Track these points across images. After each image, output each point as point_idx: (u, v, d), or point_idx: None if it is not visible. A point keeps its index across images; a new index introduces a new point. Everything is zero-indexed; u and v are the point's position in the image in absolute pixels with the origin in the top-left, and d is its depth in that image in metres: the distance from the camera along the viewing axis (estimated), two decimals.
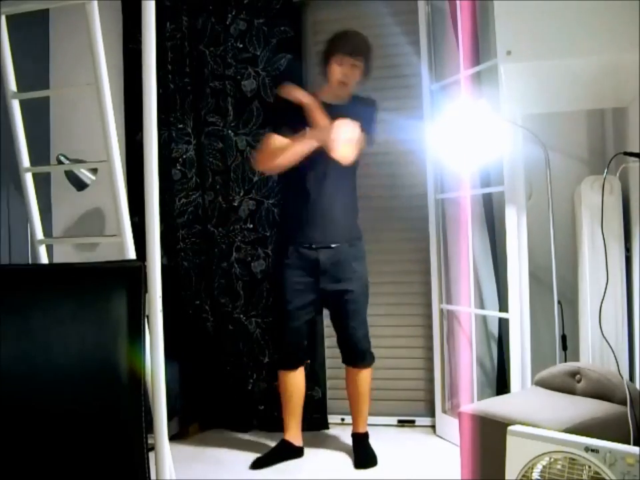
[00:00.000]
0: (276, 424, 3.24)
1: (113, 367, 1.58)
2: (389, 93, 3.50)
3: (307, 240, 2.93)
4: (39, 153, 3.44)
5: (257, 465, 2.96)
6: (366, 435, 3.11)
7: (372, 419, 3.45)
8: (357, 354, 3.01)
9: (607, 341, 2.25)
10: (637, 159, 2.32)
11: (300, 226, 2.94)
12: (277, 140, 2.89)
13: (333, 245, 2.92)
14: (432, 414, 3.36)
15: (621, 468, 1.57)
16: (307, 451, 3.10)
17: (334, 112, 2.87)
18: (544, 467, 1.72)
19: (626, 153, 2.30)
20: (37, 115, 3.58)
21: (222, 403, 3.53)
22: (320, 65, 3.06)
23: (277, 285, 3.06)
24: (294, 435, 3.05)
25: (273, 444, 3.11)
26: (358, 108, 2.95)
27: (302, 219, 2.93)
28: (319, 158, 2.83)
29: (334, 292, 2.95)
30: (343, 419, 3.49)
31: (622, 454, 1.58)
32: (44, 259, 2.30)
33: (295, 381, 3.04)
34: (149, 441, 1.59)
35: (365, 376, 3.04)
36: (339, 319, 3.02)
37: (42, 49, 3.74)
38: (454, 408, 3.23)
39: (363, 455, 3.01)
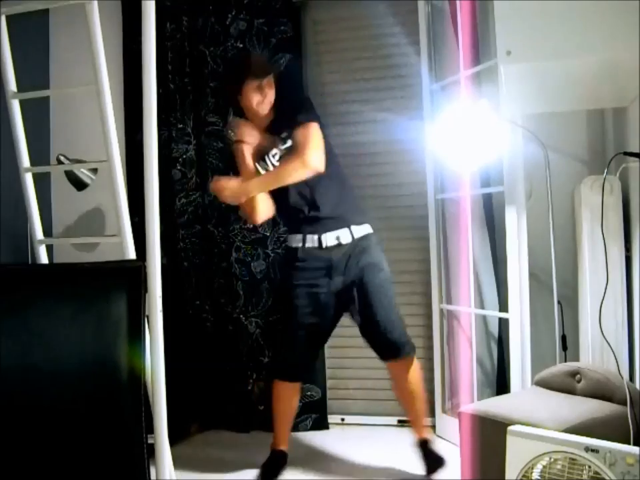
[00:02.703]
0: None
1: (113, 367, 1.58)
2: (389, 93, 3.51)
3: (311, 228, 2.79)
4: (39, 153, 3.44)
5: None
6: (426, 441, 2.85)
7: (372, 419, 3.47)
8: (389, 344, 2.75)
9: (606, 341, 2.25)
10: (636, 159, 2.32)
11: (297, 217, 2.81)
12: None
13: (343, 242, 2.75)
14: (432, 414, 3.36)
15: (621, 468, 1.58)
16: (307, 451, 3.10)
17: (274, 129, 2.80)
18: (544, 467, 1.72)
19: (626, 153, 2.30)
20: (37, 115, 3.58)
21: (222, 403, 3.53)
22: (228, 96, 2.92)
23: (287, 288, 2.83)
24: (284, 443, 2.94)
25: None
26: (289, 109, 2.80)
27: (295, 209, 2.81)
28: None
29: (350, 290, 2.76)
30: (343, 419, 3.49)
31: (622, 454, 1.59)
32: (44, 259, 2.31)
33: (292, 395, 2.91)
34: (149, 441, 1.59)
35: (411, 370, 2.79)
36: (363, 314, 2.78)
37: (42, 49, 3.74)
38: (454, 408, 3.23)
39: (436, 459, 2.81)
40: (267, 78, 2.78)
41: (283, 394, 2.89)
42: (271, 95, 2.80)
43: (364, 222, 2.83)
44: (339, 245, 2.76)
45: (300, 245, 2.80)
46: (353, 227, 2.78)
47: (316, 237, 2.77)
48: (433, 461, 2.81)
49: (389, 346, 2.77)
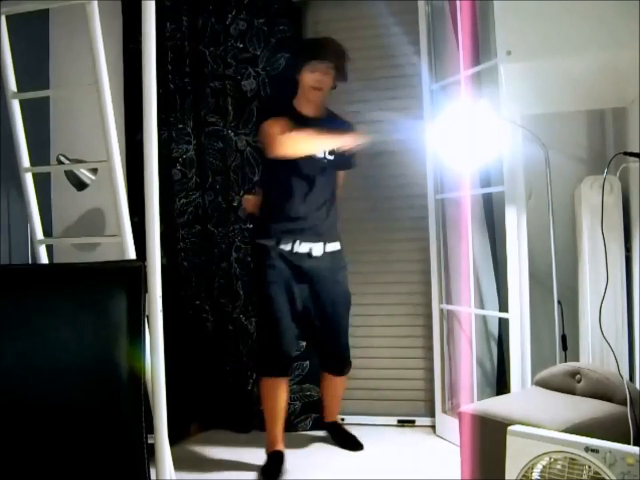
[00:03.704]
0: None
1: (113, 367, 1.58)
2: (389, 93, 3.51)
3: (289, 233, 2.92)
4: (39, 153, 3.44)
5: None
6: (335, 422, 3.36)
7: (372, 419, 3.47)
8: (341, 362, 3.14)
9: (606, 341, 2.25)
10: (636, 159, 2.32)
11: (282, 219, 2.93)
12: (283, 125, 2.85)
13: (314, 255, 2.95)
14: (432, 414, 3.36)
15: (621, 468, 1.58)
16: (307, 450, 3.10)
17: (311, 125, 2.90)
18: (544, 467, 1.72)
19: (626, 153, 2.30)
20: (37, 115, 3.58)
21: (222, 403, 3.53)
22: (293, 72, 3.04)
23: (262, 288, 2.95)
24: (280, 443, 2.97)
25: None
26: (334, 123, 3.04)
27: (285, 212, 2.93)
28: (309, 162, 2.93)
29: (317, 302, 2.99)
30: (342, 419, 3.49)
31: (622, 454, 1.58)
32: (44, 259, 2.31)
33: (284, 390, 2.96)
34: (149, 441, 1.59)
35: (343, 380, 3.23)
36: (322, 329, 3.03)
37: (42, 49, 3.74)
38: (454, 408, 3.23)
39: (352, 439, 3.21)
40: (329, 64, 2.96)
41: (276, 389, 2.93)
42: (326, 83, 2.98)
43: None
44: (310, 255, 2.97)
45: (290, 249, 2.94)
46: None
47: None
48: (353, 439, 3.21)
49: (341, 364, 3.15)
